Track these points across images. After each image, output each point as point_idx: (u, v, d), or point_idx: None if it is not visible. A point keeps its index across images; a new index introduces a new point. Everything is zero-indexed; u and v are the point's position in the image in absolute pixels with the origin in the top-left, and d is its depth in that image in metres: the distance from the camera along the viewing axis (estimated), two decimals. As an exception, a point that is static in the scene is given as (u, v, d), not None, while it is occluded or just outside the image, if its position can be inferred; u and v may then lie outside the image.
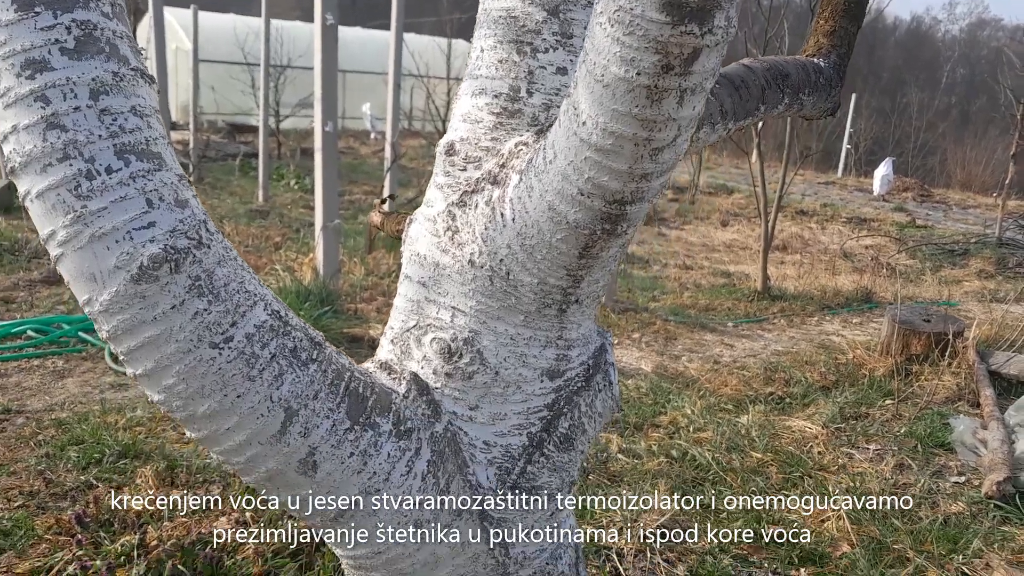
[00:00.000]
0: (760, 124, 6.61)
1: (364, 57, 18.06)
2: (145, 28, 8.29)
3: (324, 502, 0.97)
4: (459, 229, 1.01)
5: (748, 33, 6.74)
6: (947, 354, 4.71)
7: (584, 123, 0.79)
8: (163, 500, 2.82)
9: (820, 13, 1.32)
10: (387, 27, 7.79)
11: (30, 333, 4.58)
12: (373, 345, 5.02)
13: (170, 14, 16.44)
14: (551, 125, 0.99)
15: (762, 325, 6.13)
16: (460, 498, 1.04)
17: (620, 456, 3.56)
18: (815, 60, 1.27)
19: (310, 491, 0.96)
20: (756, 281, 6.98)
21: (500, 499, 1.06)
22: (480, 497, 1.05)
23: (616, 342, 5.45)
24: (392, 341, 1.11)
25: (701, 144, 1.12)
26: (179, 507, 2.82)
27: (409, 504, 1.00)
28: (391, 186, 8.13)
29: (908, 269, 8.60)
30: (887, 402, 4.37)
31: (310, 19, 5.02)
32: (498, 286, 0.99)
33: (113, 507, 2.77)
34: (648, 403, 4.22)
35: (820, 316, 6.48)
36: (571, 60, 0.99)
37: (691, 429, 3.90)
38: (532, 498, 1.08)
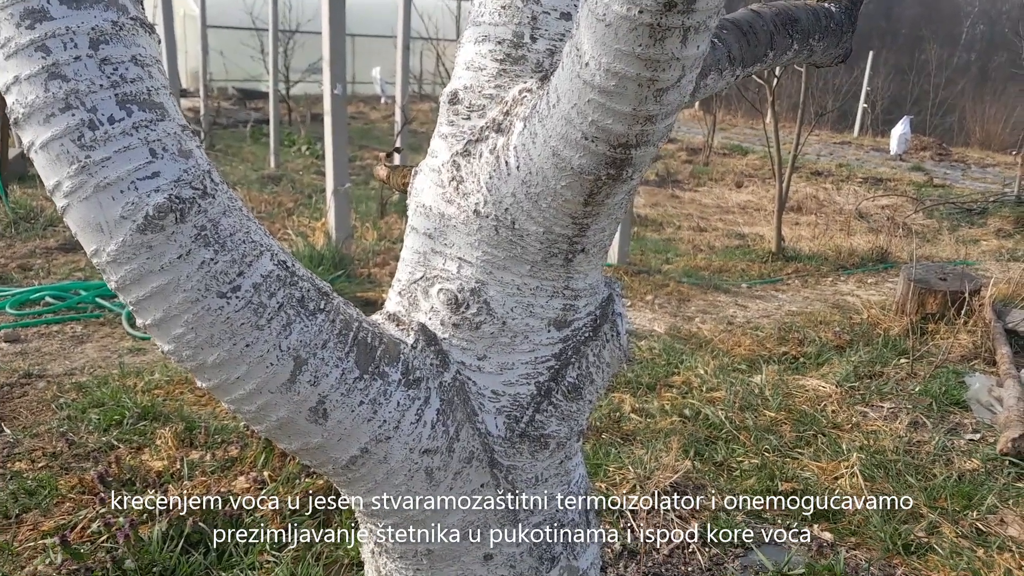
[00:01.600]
0: (775, 83, 6.51)
1: (373, 21, 17.86)
2: (152, -6, 8.23)
3: (335, 450, 0.98)
4: (464, 179, 1.01)
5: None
6: (963, 312, 4.68)
7: (587, 64, 0.78)
8: (183, 460, 2.87)
9: (832, -44, 1.29)
10: (396, -10, 7.69)
11: (48, 299, 4.64)
12: (386, 309, 5.06)
13: (177, -20, 16.29)
14: (555, 70, 0.97)
15: (776, 286, 6.10)
16: (470, 445, 1.05)
17: (633, 415, 3.58)
18: (826, 5, 1.24)
19: (321, 439, 0.97)
20: (770, 242, 6.94)
21: (509, 447, 1.07)
22: (490, 444, 1.06)
23: (629, 304, 5.44)
24: (399, 293, 1.11)
25: (709, 91, 1.10)
26: (198, 467, 2.88)
27: (419, 451, 1.01)
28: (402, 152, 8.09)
29: (925, 229, 8.50)
30: (902, 361, 4.35)
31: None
32: (504, 236, 0.99)
33: (134, 467, 2.83)
34: (661, 364, 4.23)
35: (835, 276, 6.44)
36: (574, 5, 0.98)
37: (704, 389, 3.91)
38: (541, 445, 1.09)
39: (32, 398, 3.55)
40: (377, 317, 1.11)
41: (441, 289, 1.04)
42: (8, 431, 3.16)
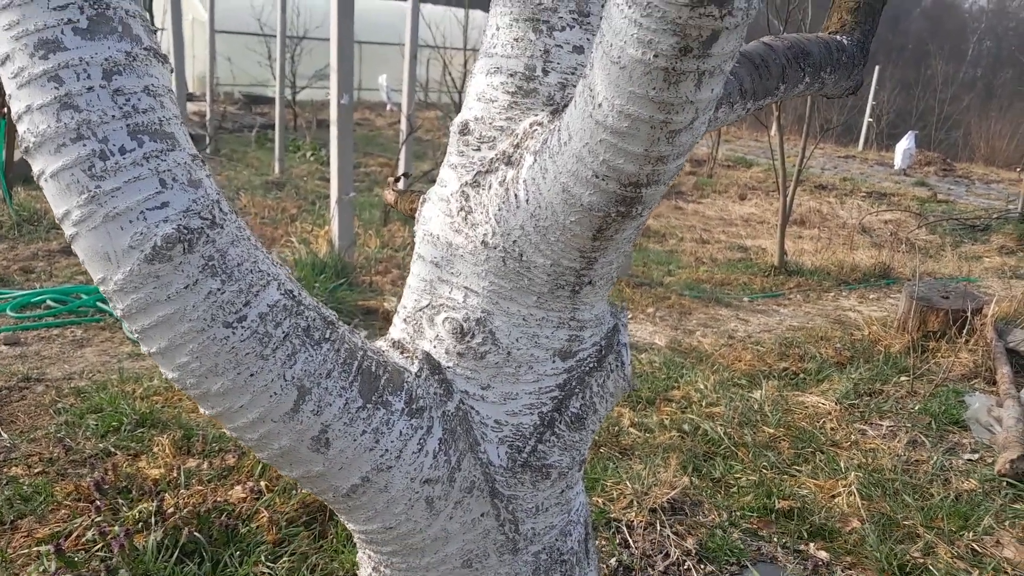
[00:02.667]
0: (780, 97, 6.52)
1: (381, 28, 17.91)
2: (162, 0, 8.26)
3: (336, 478, 0.98)
4: (472, 209, 1.01)
5: (770, 4, 6.61)
6: (965, 331, 4.68)
7: (600, 105, 0.78)
8: (180, 468, 2.87)
9: (843, -12, 1.30)
10: (403, -3, 7.71)
11: (49, 303, 4.64)
12: (387, 317, 5.05)
13: (185, -18, 16.35)
14: (567, 105, 0.97)
15: (778, 300, 6.10)
16: (471, 475, 1.04)
17: (632, 430, 3.58)
18: (838, 37, 1.24)
19: (323, 467, 0.97)
20: (773, 256, 6.94)
21: (511, 477, 1.07)
22: (491, 474, 1.06)
23: (631, 316, 5.44)
24: (405, 320, 1.11)
25: (720, 124, 1.10)
26: (195, 475, 2.87)
27: (421, 481, 1.01)
28: (407, 159, 8.10)
29: (928, 245, 8.51)
30: (902, 379, 4.35)
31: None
32: (511, 267, 0.99)
33: (131, 474, 2.82)
34: (661, 377, 4.23)
35: (837, 292, 6.43)
36: (587, 39, 0.98)
37: (703, 404, 3.91)
38: (543, 475, 1.08)
39: (30, 402, 3.54)
40: (381, 344, 1.11)
41: (447, 318, 1.04)
42: (5, 435, 3.15)
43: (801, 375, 4.42)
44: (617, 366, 1.10)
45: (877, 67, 15.67)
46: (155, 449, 3.04)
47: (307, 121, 13.58)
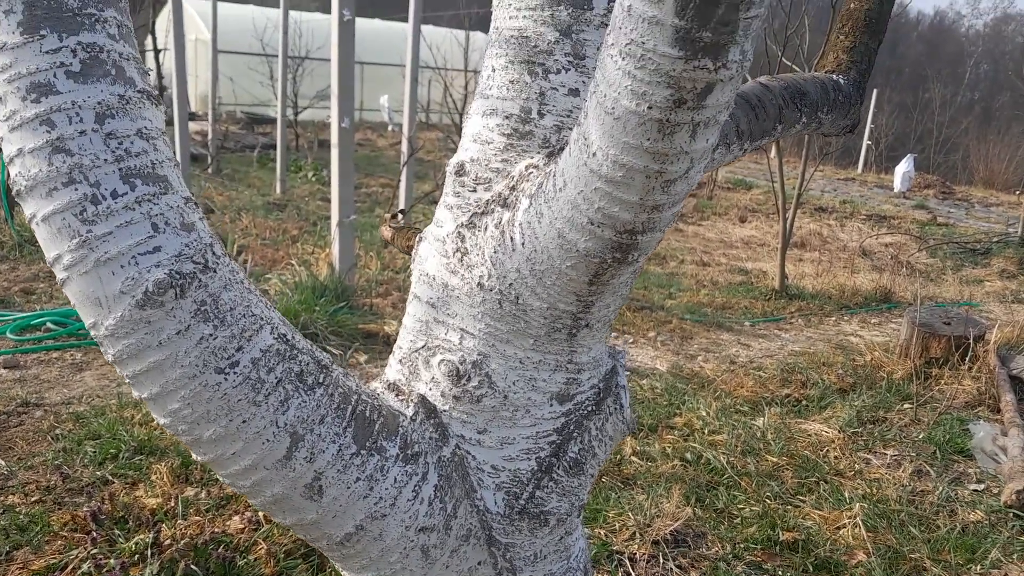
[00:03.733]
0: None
1: (382, 49, 18.06)
2: (165, 19, 8.32)
3: (330, 526, 0.96)
4: (468, 251, 1.00)
5: (768, 29, 6.65)
6: (967, 358, 4.65)
7: (594, 154, 0.77)
8: (177, 497, 2.84)
9: (840, 28, 1.29)
10: (406, 19, 7.76)
11: (49, 325, 4.63)
12: (388, 341, 5.03)
13: (190, 5, 16.51)
14: (562, 148, 0.97)
15: (779, 324, 6.07)
16: (467, 523, 1.03)
17: (634, 459, 3.55)
18: (834, 77, 1.24)
19: (316, 515, 0.95)
20: (774, 279, 6.92)
21: (508, 524, 1.05)
22: (488, 522, 1.04)
23: (632, 341, 5.42)
24: (400, 361, 1.10)
25: (716, 165, 1.10)
26: (193, 505, 2.85)
27: (416, 529, 0.99)
28: (408, 180, 8.12)
29: (928, 268, 8.49)
30: (906, 406, 4.32)
31: (329, 10, 5.01)
32: (507, 309, 0.98)
33: (128, 504, 2.80)
34: (663, 404, 4.20)
35: (838, 316, 6.41)
36: (583, 81, 0.98)
37: (706, 431, 3.88)
38: (541, 523, 1.06)
39: (29, 427, 3.52)
40: (377, 385, 1.10)
41: (443, 360, 1.03)
42: (3, 462, 3.13)
43: (803, 402, 4.39)
44: (616, 409, 1.09)
45: (875, 90, 15.76)
46: (153, 477, 3.02)
47: (309, 141, 13.64)
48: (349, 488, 0.95)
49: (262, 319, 0.91)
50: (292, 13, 11.01)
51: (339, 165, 5.00)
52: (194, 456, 0.95)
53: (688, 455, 3.61)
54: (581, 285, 0.92)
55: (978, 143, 16.67)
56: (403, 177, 8.06)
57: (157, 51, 7.17)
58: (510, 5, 0.99)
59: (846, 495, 3.36)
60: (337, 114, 4.83)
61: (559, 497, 1.06)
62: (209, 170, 11.05)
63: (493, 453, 1.04)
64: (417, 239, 1.11)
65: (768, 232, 9.71)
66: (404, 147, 7.87)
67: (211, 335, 0.87)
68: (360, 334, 4.89)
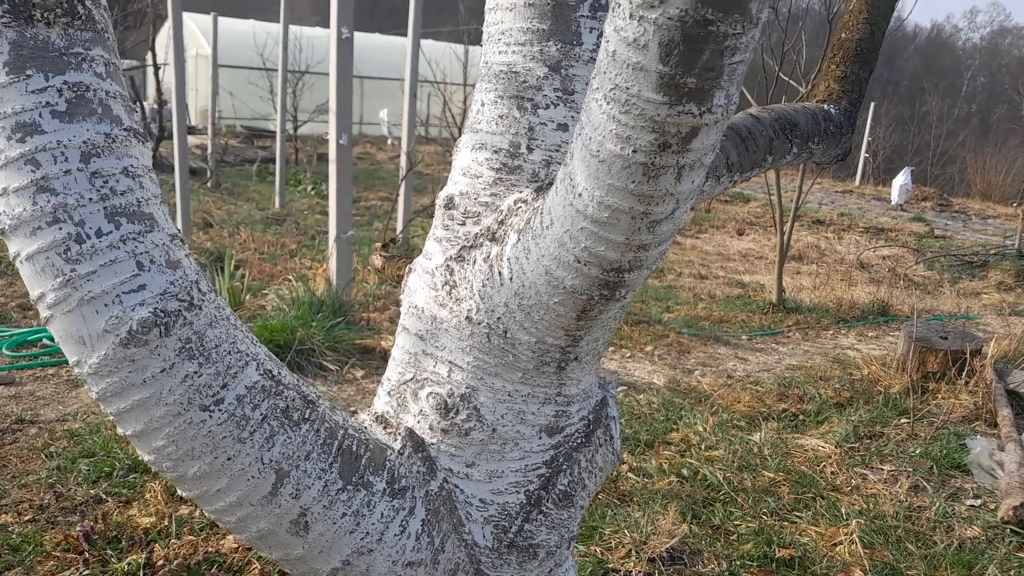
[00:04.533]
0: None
1: (382, 63, 18.13)
2: (165, 35, 8.35)
3: (316, 562, 0.96)
4: (457, 284, 1.00)
5: (765, 44, 6.68)
6: (964, 372, 4.64)
7: (580, 195, 0.77)
8: (171, 516, 2.83)
9: (831, 57, 1.29)
10: (405, 34, 7.80)
11: (45, 341, 4.62)
12: (384, 357, 5.02)
13: (191, 20, 16.59)
14: (551, 183, 0.97)
15: (777, 338, 6.07)
16: (455, 557, 1.02)
17: (631, 475, 3.53)
18: (825, 107, 1.24)
19: (302, 550, 0.95)
20: (771, 292, 6.92)
21: (497, 558, 1.04)
22: (476, 555, 1.03)
23: (629, 355, 5.41)
24: (389, 393, 1.09)
25: (705, 197, 1.10)
26: (187, 523, 2.83)
27: (403, 564, 0.98)
28: (406, 194, 8.14)
29: (926, 281, 8.49)
30: (902, 421, 4.31)
31: (329, 25, 5.02)
32: (495, 343, 0.97)
33: (121, 523, 2.78)
34: (660, 419, 4.19)
35: (835, 329, 6.41)
36: (572, 116, 0.98)
37: (703, 447, 3.86)
38: (530, 556, 1.06)
39: (23, 444, 3.51)
40: (365, 417, 1.09)
41: (431, 393, 1.02)
42: (-4, 482, 3.11)
43: (800, 416, 4.38)
44: (606, 440, 1.08)
45: (873, 103, 15.82)
46: (147, 496, 3.00)
47: (308, 155, 13.67)
48: (335, 524, 0.94)
49: (248, 355, 0.91)
50: (292, 28, 11.06)
51: (337, 181, 5.01)
52: (179, 492, 0.94)
53: (684, 471, 3.59)
54: (569, 320, 0.92)
55: (975, 155, 16.72)
56: (401, 191, 8.08)
57: (157, 67, 7.18)
58: (500, 40, 0.99)
59: (843, 511, 3.34)
60: (335, 130, 4.84)
61: (548, 530, 1.06)
62: (208, 184, 11.06)
63: (481, 487, 1.03)
64: (407, 270, 1.11)
65: (766, 245, 9.71)
66: (403, 161, 7.89)
67: (196, 373, 0.86)
68: (357, 349, 4.88)
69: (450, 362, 1.02)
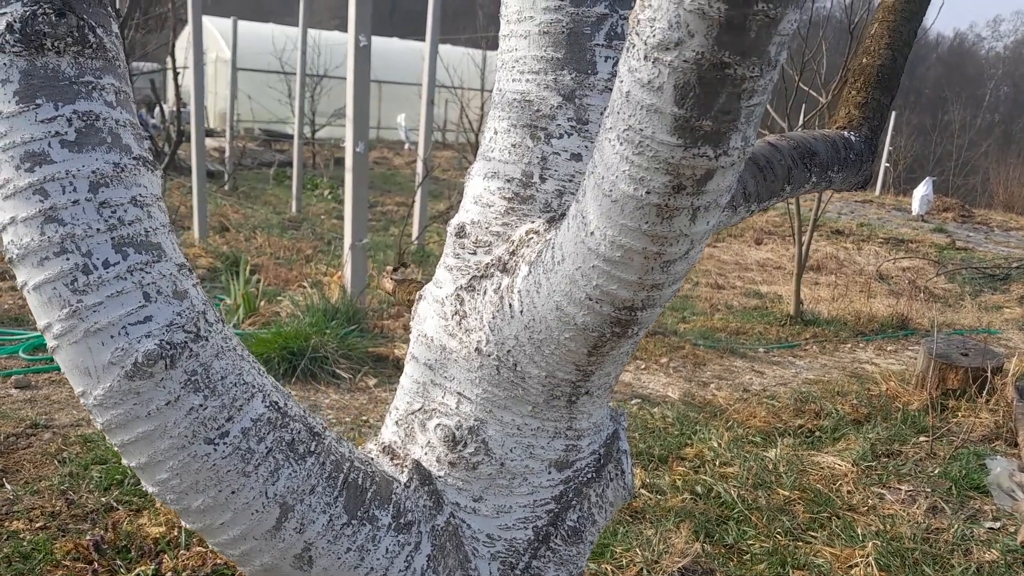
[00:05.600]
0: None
1: (400, 68, 18.19)
2: (185, 39, 8.42)
3: (321, 596, 0.94)
4: (467, 314, 0.98)
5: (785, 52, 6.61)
6: (985, 390, 4.57)
7: (592, 233, 0.75)
8: (181, 527, 2.83)
9: (852, 83, 1.27)
10: (423, 39, 7.82)
11: (62, 345, 4.65)
12: (397, 364, 5.01)
13: (211, 24, 16.73)
14: (563, 214, 0.95)
15: (794, 351, 6.01)
16: (461, 593, 1.00)
17: (643, 491, 3.50)
18: (845, 134, 1.22)
19: (306, 585, 0.93)
20: (788, 304, 6.86)
21: (503, 594, 1.02)
22: (482, 591, 1.02)
23: (643, 367, 5.37)
24: (396, 423, 1.08)
25: (721, 227, 1.07)
26: (196, 535, 2.83)
27: (408, 599, 0.97)
28: (422, 200, 8.15)
29: (946, 294, 8.39)
30: (921, 439, 4.24)
31: (347, 29, 5.03)
32: (505, 376, 0.96)
33: (131, 532, 2.79)
34: (674, 434, 4.15)
35: (853, 343, 6.33)
36: (586, 146, 0.96)
37: (717, 463, 3.82)
38: (537, 592, 1.04)
39: (36, 450, 3.53)
40: (372, 447, 1.08)
41: (439, 424, 1.01)
42: (9, 487, 3.13)
43: (817, 433, 4.33)
44: (617, 474, 1.06)
45: (894, 112, 15.67)
46: (157, 504, 3.01)
47: (325, 159, 13.73)
48: (339, 558, 0.93)
49: (254, 387, 0.90)
50: (311, 32, 11.12)
51: (353, 189, 5.02)
52: (183, 523, 0.93)
53: (698, 488, 3.56)
54: (580, 356, 0.90)
55: (998, 166, 16.51)
56: (418, 198, 8.09)
57: (176, 72, 7.24)
58: (513, 68, 0.97)
59: (859, 532, 3.29)
60: (352, 138, 4.85)
61: (556, 566, 1.04)
62: (226, 187, 11.14)
63: (489, 522, 1.02)
64: (417, 296, 1.10)
65: (784, 255, 9.64)
66: (419, 168, 7.90)
67: (201, 405, 0.85)
68: (370, 357, 4.88)
69: (459, 393, 1.00)
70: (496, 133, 0.99)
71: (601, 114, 0.95)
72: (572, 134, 0.95)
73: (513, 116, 0.97)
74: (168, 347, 0.83)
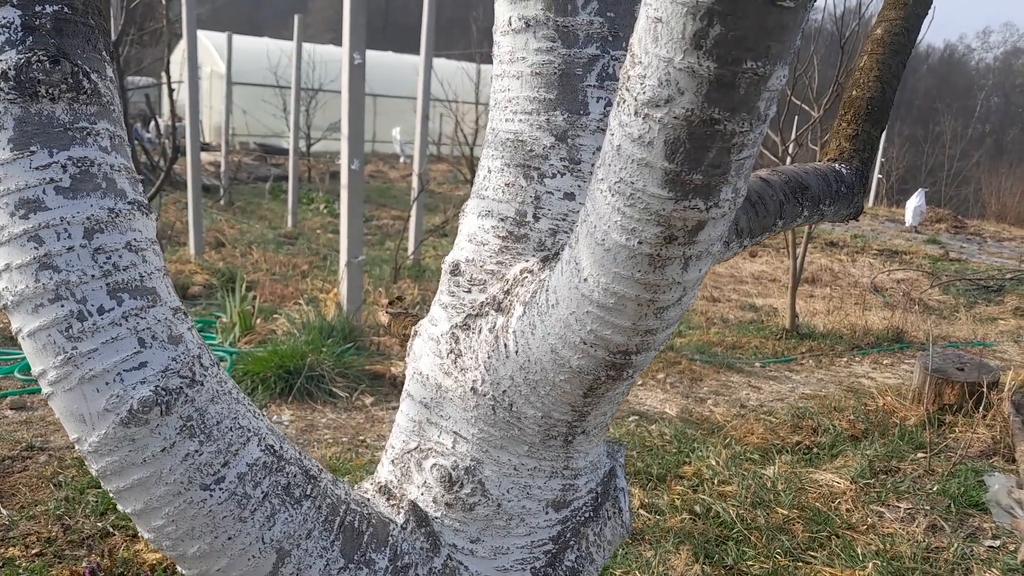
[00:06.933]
0: (788, 162, 6.52)
1: (395, 81, 18.25)
2: (180, 53, 8.45)
3: (317, 639, 0.94)
4: (462, 353, 0.98)
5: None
6: (982, 405, 4.57)
7: (586, 279, 0.75)
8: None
9: (842, 116, 1.28)
10: (418, 53, 7.85)
11: (57, 366, 4.64)
12: (394, 383, 5.00)
13: (206, 38, 16.78)
14: (556, 253, 0.96)
15: (790, 366, 6.01)
16: (458, 634, 1.00)
17: (642, 512, 3.49)
18: (836, 166, 1.23)
19: (302, 628, 0.93)
20: (784, 317, 6.87)
21: (500, 634, 1.02)
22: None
23: (640, 383, 5.37)
24: (392, 462, 1.07)
25: (714, 263, 1.08)
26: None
27: (405, 641, 0.96)
28: (418, 214, 8.16)
29: (941, 305, 8.41)
30: (919, 456, 4.24)
31: (342, 43, 5.04)
32: (501, 416, 0.96)
33: (127, 559, 2.77)
34: (672, 451, 4.15)
35: (849, 357, 6.34)
36: (579, 185, 0.96)
37: (715, 481, 3.81)
38: (534, 631, 1.03)
39: (32, 473, 3.51)
40: (368, 487, 1.07)
41: (435, 464, 1.01)
42: (5, 512, 3.11)
43: (815, 449, 4.33)
44: (615, 512, 1.06)
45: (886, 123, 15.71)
46: (153, 528, 2.99)
47: (321, 173, 13.74)
48: (336, 603, 0.92)
49: (249, 430, 0.90)
50: (306, 46, 11.15)
51: (348, 206, 5.02)
52: (179, 569, 0.93)
53: (697, 507, 3.55)
54: (576, 397, 0.90)
55: (990, 176, 16.59)
56: (413, 213, 8.10)
57: (171, 89, 7.26)
58: (506, 108, 0.98)
59: (859, 551, 3.28)
60: (347, 156, 4.87)
61: (554, 606, 1.03)
62: (221, 202, 11.14)
63: (486, 563, 1.01)
64: (412, 332, 1.10)
65: (779, 267, 9.66)
66: (415, 183, 7.91)
67: (197, 451, 0.85)
68: (367, 375, 4.87)
69: (455, 432, 1.00)
70: (490, 172, 1.00)
71: (594, 153, 0.96)
72: (565, 174, 0.96)
73: (507, 155, 0.98)
74: (163, 393, 0.83)
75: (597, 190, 0.70)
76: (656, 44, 0.59)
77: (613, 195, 0.68)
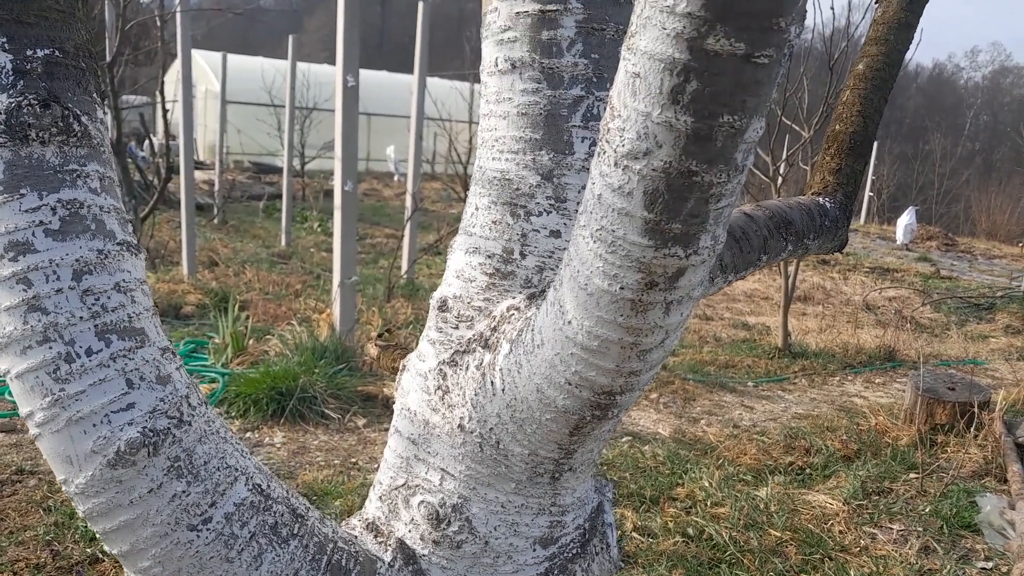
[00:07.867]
0: (779, 182, 6.56)
1: (388, 101, 18.35)
2: (175, 72, 8.49)
3: None
4: (449, 389, 0.99)
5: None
6: (973, 425, 4.59)
7: (570, 322, 0.76)
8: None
9: (826, 150, 1.30)
10: (412, 72, 7.90)
11: (48, 388, 4.61)
12: (387, 404, 4.99)
13: (200, 57, 16.85)
14: (543, 290, 0.97)
15: (783, 385, 6.02)
16: (446, 670, 1.00)
17: (635, 535, 3.48)
18: (820, 200, 1.24)
19: (289, 667, 0.93)
20: (776, 336, 6.89)
21: (488, 671, 1.02)
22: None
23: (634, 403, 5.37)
24: (380, 498, 1.08)
25: (698, 298, 1.09)
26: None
27: None
28: (411, 233, 8.18)
29: (932, 323, 8.45)
30: (911, 476, 4.25)
31: (336, 63, 5.06)
32: (488, 453, 0.96)
33: (117, 585, 2.75)
34: (665, 473, 4.14)
35: (842, 376, 6.35)
36: (565, 223, 0.98)
37: (708, 503, 3.81)
38: (522, 667, 1.03)
39: (22, 497, 3.48)
40: (356, 523, 1.07)
41: (423, 501, 1.01)
42: (-7, 538, 3.09)
43: (807, 470, 4.33)
44: (602, 548, 1.07)
45: (876, 142, 15.89)
46: (142, 554, 2.97)
47: (315, 192, 13.76)
48: (323, 642, 0.92)
49: (237, 470, 0.90)
50: (300, 65, 11.21)
51: (342, 227, 5.04)
52: (165, 607, 0.92)
53: (690, 530, 3.54)
54: (562, 436, 0.91)
55: (979, 194, 16.73)
56: (407, 232, 8.12)
57: (165, 110, 7.29)
58: (493, 147, 0.99)
59: (852, 574, 3.28)
60: (341, 177, 4.88)
61: (542, 643, 1.03)
62: (215, 220, 11.14)
63: (473, 600, 1.01)
64: (401, 367, 1.10)
65: (771, 285, 9.69)
66: (408, 202, 7.94)
67: (184, 492, 0.85)
68: (359, 396, 4.86)
69: (442, 469, 1.00)
70: (477, 209, 1.01)
71: (579, 192, 0.97)
72: (551, 212, 0.97)
73: (494, 193, 0.99)
74: (151, 434, 0.83)
75: (580, 236, 0.71)
76: (635, 98, 0.60)
77: (595, 242, 0.69)
